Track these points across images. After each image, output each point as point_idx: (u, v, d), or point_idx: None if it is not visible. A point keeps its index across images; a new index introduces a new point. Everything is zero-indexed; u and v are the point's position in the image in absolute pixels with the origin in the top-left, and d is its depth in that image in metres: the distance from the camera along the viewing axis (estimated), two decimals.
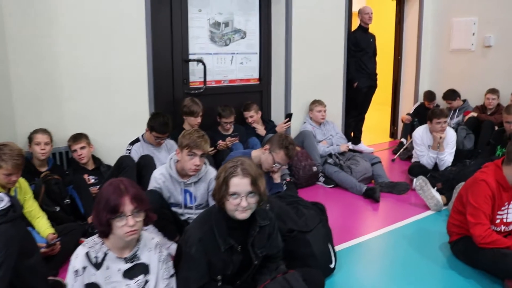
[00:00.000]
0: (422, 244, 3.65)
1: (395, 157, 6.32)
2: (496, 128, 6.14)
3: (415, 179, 4.57)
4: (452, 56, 7.13)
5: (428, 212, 4.34)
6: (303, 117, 5.72)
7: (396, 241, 3.74)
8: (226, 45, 5.35)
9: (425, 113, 6.78)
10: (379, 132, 8.01)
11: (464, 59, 6.97)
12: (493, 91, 6.31)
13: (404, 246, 3.63)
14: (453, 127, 6.36)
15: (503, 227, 3.18)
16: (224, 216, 2.33)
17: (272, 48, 5.66)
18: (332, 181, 5.06)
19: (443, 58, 7.26)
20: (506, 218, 3.16)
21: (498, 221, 3.15)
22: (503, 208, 3.12)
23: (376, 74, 6.53)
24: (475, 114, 6.23)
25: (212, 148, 4.66)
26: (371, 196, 4.62)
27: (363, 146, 6.71)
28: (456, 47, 7.04)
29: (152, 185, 3.19)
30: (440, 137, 5.06)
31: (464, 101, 6.74)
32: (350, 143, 6.43)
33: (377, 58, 6.61)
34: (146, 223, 2.19)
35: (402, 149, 6.33)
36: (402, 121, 7.00)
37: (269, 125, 5.43)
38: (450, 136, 5.20)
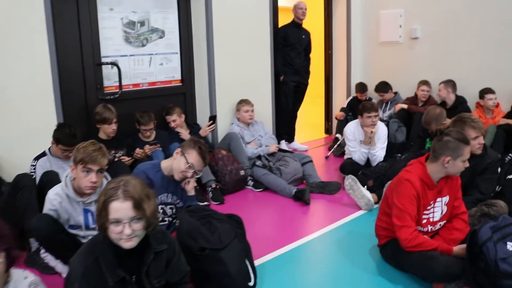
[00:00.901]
0: (352, 248, 3.46)
1: (329, 153, 6.16)
2: None
3: (345, 179, 4.38)
4: (382, 48, 7.05)
5: (360, 212, 4.17)
6: (230, 118, 5.45)
7: (325, 247, 3.54)
8: (143, 45, 5.00)
9: (358, 106, 6.68)
10: (315, 128, 7.86)
11: (393, 51, 6.91)
12: (426, 82, 6.27)
13: (333, 252, 3.43)
14: (385, 120, 6.29)
15: (430, 227, 3.01)
16: (111, 244, 2.01)
17: (194, 47, 5.35)
18: (261, 184, 4.82)
19: (373, 51, 7.18)
20: (433, 217, 3.00)
21: (424, 221, 2.98)
22: (428, 208, 2.96)
23: (307, 72, 6.34)
24: (404, 106, 6.16)
25: (130, 157, 4.32)
26: (300, 198, 4.41)
27: (297, 144, 6.52)
28: (385, 39, 6.97)
29: (46, 207, 2.84)
30: (371, 132, 4.91)
31: (396, 93, 6.67)
32: (284, 141, 6.24)
33: (314, 53, 6.45)
34: (9, 264, 1.84)
35: (336, 145, 6.17)
36: (336, 118, 6.86)
37: (194, 129, 5.12)
38: (382, 131, 5.07)
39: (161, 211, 3.24)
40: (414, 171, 2.94)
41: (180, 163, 3.15)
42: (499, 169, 4.02)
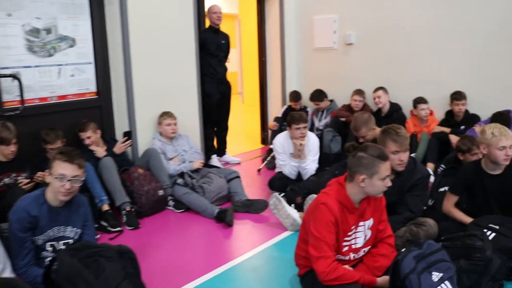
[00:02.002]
0: (272, 277, 3.12)
1: (261, 166, 5.83)
2: None
3: (270, 197, 4.04)
4: (317, 55, 6.82)
5: (286, 233, 3.85)
6: (152, 133, 5.03)
7: (243, 276, 3.19)
8: (51, 55, 4.52)
9: None
10: (251, 138, 7.54)
11: (328, 57, 6.69)
12: (359, 92, 6.06)
13: (250, 283, 3.07)
14: (321, 129, 6.04)
15: (352, 255, 2.70)
16: None
17: (110, 56, 4.89)
18: (183, 204, 4.43)
19: (308, 58, 6.93)
20: (355, 244, 2.69)
21: (346, 248, 2.67)
22: (350, 234, 2.65)
23: (228, 81, 5.99)
24: (342, 119, 5.91)
25: (28, 180, 3.83)
26: (222, 219, 4.04)
27: (228, 157, 6.16)
28: (320, 45, 6.74)
29: None
30: (301, 144, 4.61)
31: (332, 101, 6.44)
32: (215, 156, 5.87)
33: (250, 60, 6.10)
34: None
35: (269, 158, 5.84)
36: (270, 128, 6.56)
37: (111, 145, 4.67)
38: (312, 142, 4.78)
39: (50, 249, 2.81)
40: (332, 193, 2.62)
41: (53, 183, 2.73)
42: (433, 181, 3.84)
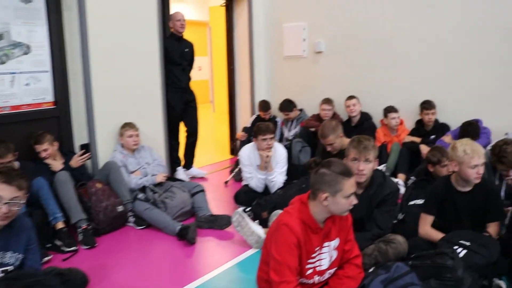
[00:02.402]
0: None
1: (228, 178, 5.64)
2: None
3: (233, 214, 3.86)
4: (287, 63, 6.68)
5: (251, 251, 3.66)
6: (114, 145, 4.79)
7: None
8: (3, 62, 4.26)
9: None
10: (220, 148, 7.35)
11: (298, 66, 6.56)
12: (327, 101, 5.94)
13: None
14: (291, 139, 5.89)
15: (317, 278, 2.53)
16: None
17: (69, 64, 4.65)
18: (144, 221, 4.20)
19: (278, 66, 6.79)
20: (320, 266, 2.52)
21: (310, 271, 2.49)
22: (314, 255, 2.48)
23: (192, 90, 5.78)
24: (312, 129, 5.78)
25: None
26: (184, 237, 3.84)
27: (195, 170, 5.94)
28: (289, 54, 6.61)
29: None
30: (267, 156, 4.45)
31: (301, 110, 6.30)
32: (181, 168, 5.66)
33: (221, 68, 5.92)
34: None
35: (236, 169, 5.66)
36: (238, 139, 6.39)
37: (70, 158, 4.43)
38: (280, 154, 4.62)
39: None
40: (294, 212, 2.45)
41: None
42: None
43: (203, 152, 6.77)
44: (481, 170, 2.93)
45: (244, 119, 6.81)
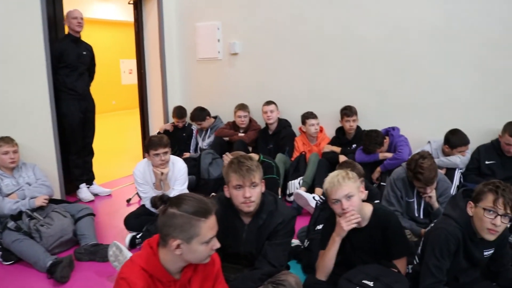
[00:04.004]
0: None
1: (131, 196, 5.01)
2: (250, 148, 5.25)
3: (109, 246, 3.24)
4: (201, 66, 6.12)
5: None
6: None
7: None
8: None
9: (176, 134, 5.69)
10: (131, 160, 6.67)
11: (212, 69, 6.01)
12: (242, 107, 5.43)
13: None
14: (205, 149, 5.35)
15: None
16: None
17: None
18: (13, 254, 3.52)
19: (191, 69, 6.22)
20: None
21: None
22: None
23: (91, 97, 5.13)
24: (226, 138, 5.27)
25: None
26: (53, 274, 3.19)
27: (97, 188, 5.26)
28: (203, 56, 6.05)
29: None
30: (162, 173, 3.86)
31: (216, 118, 5.75)
32: (84, 185, 5.00)
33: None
34: None
35: None
36: None
37: None
38: (179, 169, 4.04)
39: None
40: (140, 261, 1.88)
41: None
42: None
43: (112, 164, 6.14)
44: (345, 204, 2.42)
45: (156, 127, 6.18)
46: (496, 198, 2.22)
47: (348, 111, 4.80)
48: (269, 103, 5.22)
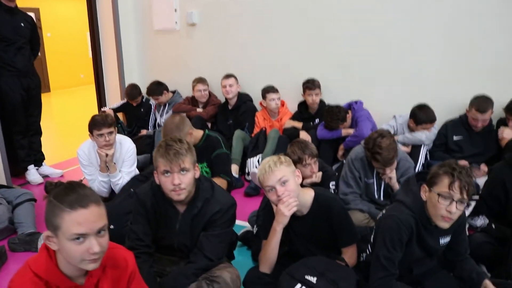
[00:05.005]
0: None
1: (82, 178, 4.67)
2: (209, 124, 4.97)
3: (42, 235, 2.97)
4: (158, 37, 5.76)
5: None
6: None
7: None
8: None
9: (134, 110, 5.39)
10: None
11: (170, 41, 5.67)
12: (201, 80, 5.15)
13: None
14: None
15: None
16: None
17: None
18: None
19: (149, 41, 5.85)
20: None
21: None
22: None
23: (36, 73, 4.74)
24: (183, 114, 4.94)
25: None
26: None
27: (48, 169, 4.93)
28: (160, 27, 5.67)
29: None
30: (107, 155, 3.57)
31: (174, 92, 5.45)
32: (32, 167, 4.68)
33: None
34: None
35: None
36: None
37: None
38: (127, 149, 3.76)
39: None
40: (32, 266, 1.60)
41: None
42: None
43: (65, 144, 5.82)
44: (280, 190, 2.18)
45: (114, 102, 5.83)
46: (452, 181, 1.97)
47: (310, 84, 4.52)
48: (228, 76, 4.92)
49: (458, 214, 2.03)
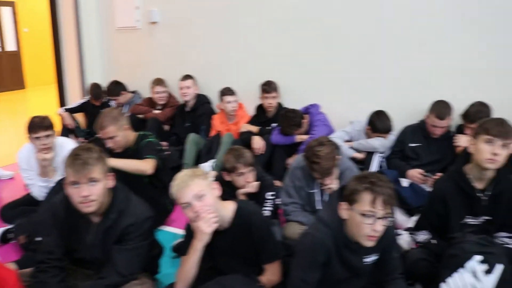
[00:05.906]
0: None
1: None
2: (166, 127, 4.84)
3: None
4: (120, 36, 5.61)
5: None
6: None
7: None
8: None
9: (93, 111, 5.24)
10: None
11: (131, 39, 5.53)
12: (159, 81, 5.01)
13: None
14: None
15: None
16: None
17: None
18: None
19: (111, 40, 5.71)
20: None
21: None
22: None
23: None
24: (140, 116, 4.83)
25: None
26: None
27: None
28: (122, 24, 5.54)
29: None
30: (45, 159, 3.42)
31: (134, 92, 5.31)
32: None
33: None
34: None
35: None
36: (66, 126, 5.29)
37: None
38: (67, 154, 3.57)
39: None
40: None
41: None
42: None
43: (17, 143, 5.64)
44: (197, 206, 2.04)
45: (75, 102, 5.67)
46: (374, 198, 1.84)
47: (266, 87, 4.39)
48: (185, 78, 4.78)
49: (383, 229, 1.90)
